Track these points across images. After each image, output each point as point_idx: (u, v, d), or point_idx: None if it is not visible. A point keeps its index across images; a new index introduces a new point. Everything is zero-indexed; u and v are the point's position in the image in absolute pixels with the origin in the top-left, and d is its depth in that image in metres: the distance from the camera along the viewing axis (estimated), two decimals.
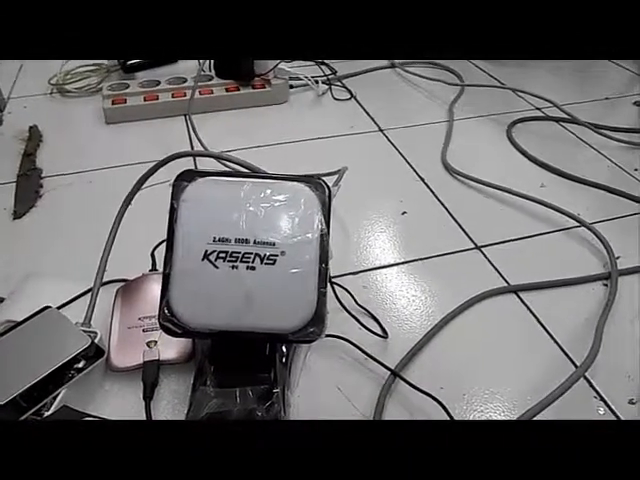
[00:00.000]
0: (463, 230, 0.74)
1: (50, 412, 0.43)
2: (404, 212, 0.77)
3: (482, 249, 0.71)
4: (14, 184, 0.81)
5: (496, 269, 0.68)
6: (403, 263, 0.69)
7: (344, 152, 0.90)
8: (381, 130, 0.97)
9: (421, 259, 0.69)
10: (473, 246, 0.71)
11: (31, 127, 0.95)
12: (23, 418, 0.42)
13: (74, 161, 0.86)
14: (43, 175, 0.83)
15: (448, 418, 0.49)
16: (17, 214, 0.75)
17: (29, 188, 0.81)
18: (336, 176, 0.70)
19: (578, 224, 0.75)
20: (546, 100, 1.03)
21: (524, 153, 0.91)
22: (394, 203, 0.79)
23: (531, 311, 0.62)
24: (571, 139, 0.96)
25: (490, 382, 0.54)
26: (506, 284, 0.65)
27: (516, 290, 0.65)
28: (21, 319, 0.50)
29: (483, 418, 0.51)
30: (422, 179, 0.84)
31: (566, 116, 0.99)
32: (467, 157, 0.89)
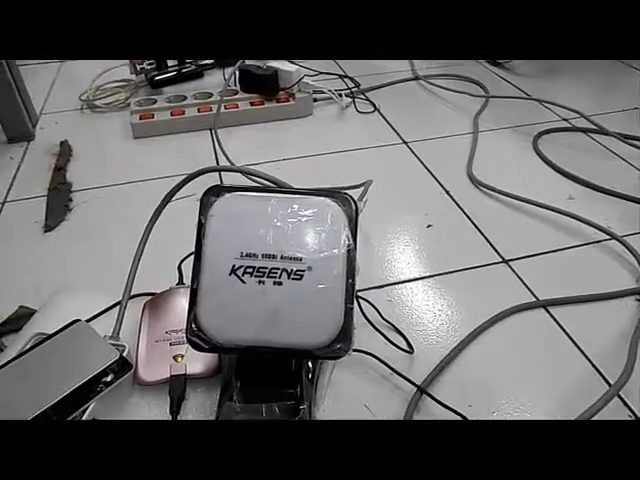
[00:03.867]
0: (490, 243, 0.73)
1: None
2: (429, 225, 0.77)
3: (509, 263, 0.70)
4: (45, 198, 0.83)
5: (524, 283, 0.66)
6: (429, 277, 0.68)
7: (368, 165, 0.90)
8: (405, 142, 0.96)
9: (447, 273, 0.68)
10: (500, 260, 0.70)
11: (62, 142, 0.98)
12: None
13: (103, 175, 0.88)
14: (73, 189, 0.85)
15: None
16: (48, 227, 0.77)
17: (60, 202, 0.83)
18: (361, 189, 0.70)
19: (609, 237, 0.73)
20: (573, 110, 1.01)
21: (551, 165, 0.89)
22: (419, 216, 0.78)
23: (561, 326, 0.61)
24: (599, 150, 0.94)
25: (519, 399, 0.53)
26: (535, 299, 0.64)
27: (545, 305, 0.63)
28: (51, 332, 0.50)
29: None
30: (447, 192, 0.83)
31: (594, 126, 0.97)
32: (493, 169, 0.88)
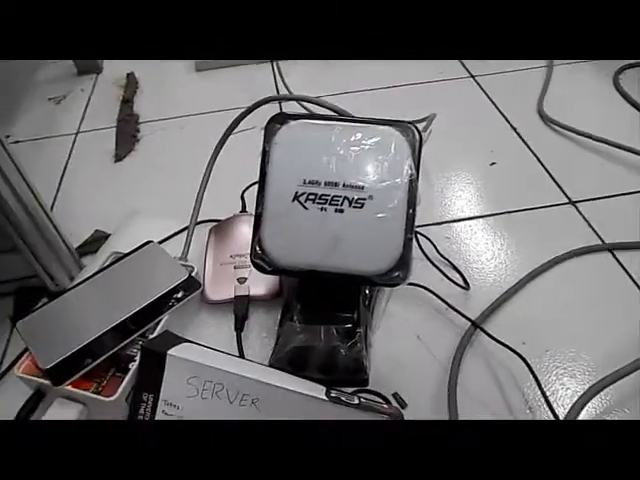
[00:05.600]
0: (557, 183, 0.70)
1: (154, 335, 0.47)
2: (493, 163, 0.74)
3: (576, 204, 0.67)
4: (114, 129, 0.87)
5: (590, 226, 0.64)
6: (490, 215, 0.67)
7: (433, 99, 0.87)
8: (472, 76, 0.92)
9: (509, 212, 0.67)
10: (567, 201, 0.68)
11: (128, 74, 1.00)
12: (131, 339, 0.46)
13: (168, 107, 0.90)
14: (140, 120, 0.88)
15: (529, 372, 0.49)
16: (118, 157, 0.81)
17: (128, 133, 0.86)
18: (424, 123, 0.68)
19: None
20: None
21: (633, 103, 0.83)
22: (483, 153, 0.76)
23: (627, 272, 0.59)
24: None
25: (576, 341, 0.52)
26: (600, 242, 0.62)
27: (611, 248, 0.61)
28: (126, 252, 0.54)
29: (566, 376, 0.50)
30: (514, 128, 0.80)
31: None
32: (566, 106, 0.82)
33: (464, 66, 0.95)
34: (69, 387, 0.43)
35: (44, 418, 0.43)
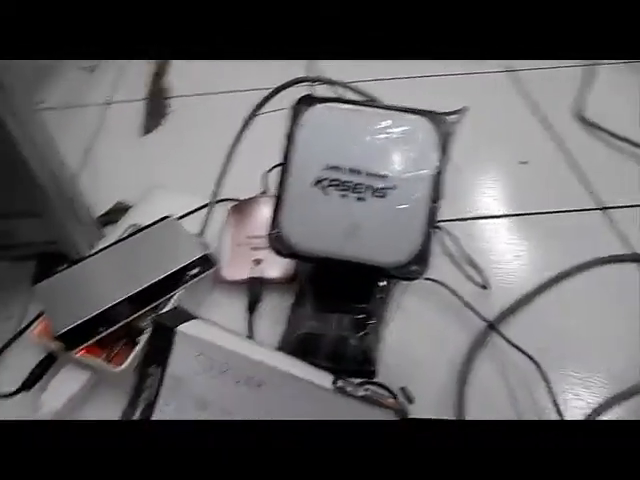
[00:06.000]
0: (589, 188, 0.68)
1: (166, 309, 0.47)
2: (524, 161, 0.72)
3: (608, 211, 0.65)
4: (144, 102, 0.87)
5: (621, 234, 0.62)
6: (516, 215, 0.65)
7: (468, 91, 0.84)
8: (509, 69, 0.89)
9: (536, 214, 0.65)
10: (598, 206, 0.65)
11: None
12: (141, 313, 0.47)
13: (198, 83, 0.89)
14: (170, 95, 0.88)
15: (542, 380, 0.48)
16: (146, 130, 0.81)
17: (157, 106, 0.86)
18: (456, 115, 0.66)
19: None
20: None
21: None
22: (515, 151, 0.73)
23: None
24: None
25: (594, 352, 0.51)
26: (629, 252, 0.60)
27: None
28: (145, 225, 0.54)
29: (580, 386, 0.49)
30: (550, 127, 0.77)
31: None
32: (608, 107, 0.79)
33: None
34: (80, 353, 0.44)
35: (53, 382, 0.43)
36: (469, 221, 0.64)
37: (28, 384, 0.44)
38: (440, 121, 0.43)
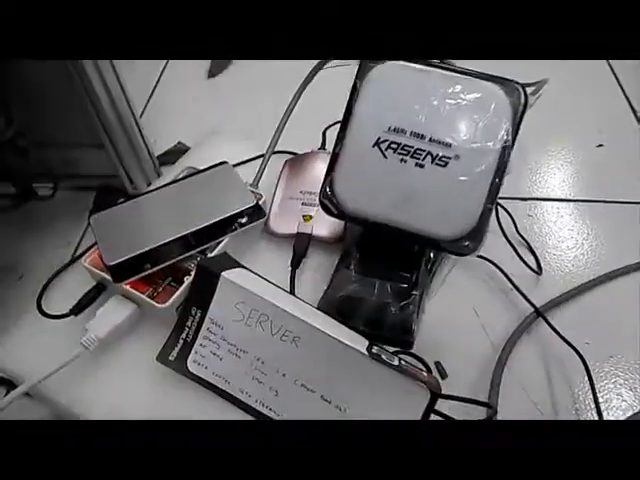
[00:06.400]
0: None
1: (212, 254, 0.48)
2: (600, 144, 0.67)
3: None
4: None
5: None
6: (582, 201, 0.61)
7: (549, 62, 0.79)
8: None
9: (604, 202, 0.61)
10: None
11: None
12: (188, 254, 0.47)
13: None
14: None
15: (586, 375, 0.46)
16: (211, 74, 0.81)
17: None
18: (534, 87, 0.62)
19: None
20: None
21: None
22: (591, 132, 0.69)
23: None
24: None
25: None
26: None
27: None
28: (201, 168, 0.55)
29: (625, 387, 0.47)
30: (634, 112, 0.71)
31: None
32: None
33: None
34: (127, 287, 0.45)
35: (100, 311, 0.45)
36: (530, 201, 0.61)
37: (76, 310, 0.46)
38: (516, 91, 0.40)
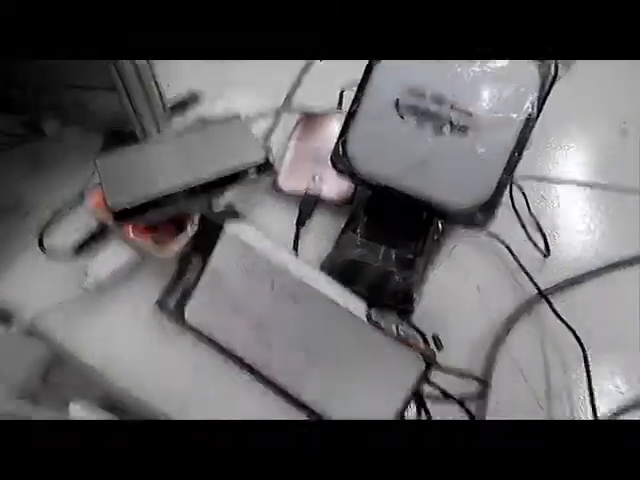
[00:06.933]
0: None
1: (216, 206, 0.47)
2: (624, 129, 0.65)
3: None
4: None
5: None
6: (599, 187, 0.59)
7: None
8: None
9: (622, 190, 0.59)
10: None
11: None
12: (193, 204, 0.47)
13: None
14: None
15: (583, 362, 0.46)
16: None
17: None
18: (565, 60, 0.60)
19: None
20: None
21: None
22: (616, 115, 0.66)
23: None
24: None
25: None
26: None
27: None
28: (212, 120, 0.53)
29: (622, 379, 0.46)
30: None
31: None
32: None
33: None
34: (129, 232, 0.45)
35: (101, 254, 0.45)
36: (545, 182, 0.59)
37: (77, 250, 0.46)
38: (545, 63, 0.38)
